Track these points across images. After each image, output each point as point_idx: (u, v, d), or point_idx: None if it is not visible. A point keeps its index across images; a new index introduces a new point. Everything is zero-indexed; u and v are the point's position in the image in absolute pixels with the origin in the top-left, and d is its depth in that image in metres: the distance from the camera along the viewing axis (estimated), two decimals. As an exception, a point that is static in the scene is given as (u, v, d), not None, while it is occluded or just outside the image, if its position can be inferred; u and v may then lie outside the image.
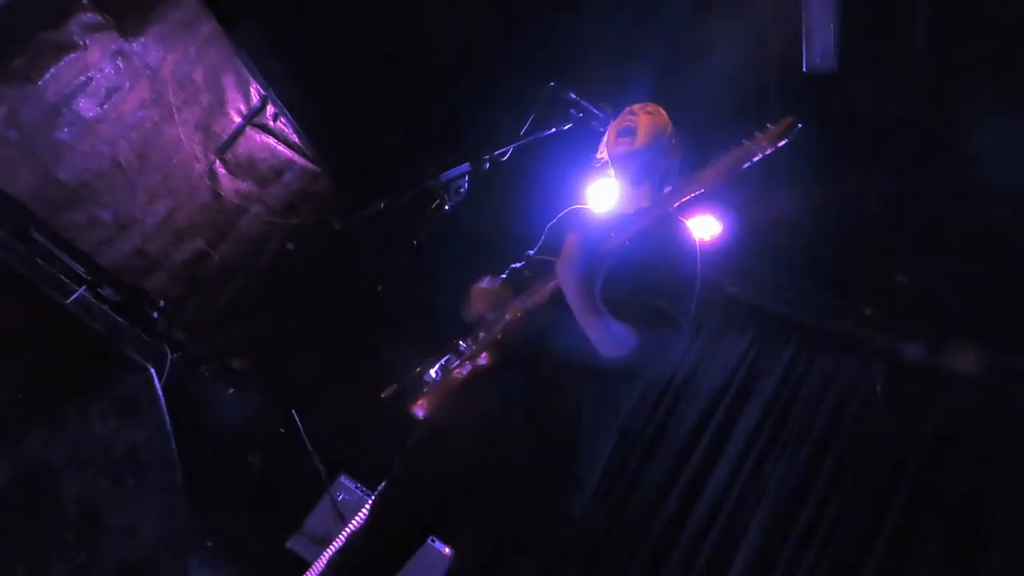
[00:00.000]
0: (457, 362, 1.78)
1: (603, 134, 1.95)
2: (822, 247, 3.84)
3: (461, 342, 1.82)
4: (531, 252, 2.04)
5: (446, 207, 1.77)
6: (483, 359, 1.69)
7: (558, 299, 1.64)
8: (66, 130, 3.33)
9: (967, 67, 2.73)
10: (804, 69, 2.82)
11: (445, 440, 1.72)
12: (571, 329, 1.62)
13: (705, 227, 3.98)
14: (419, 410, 1.80)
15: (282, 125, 4.12)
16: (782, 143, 1.43)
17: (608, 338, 1.56)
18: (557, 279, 1.58)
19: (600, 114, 1.92)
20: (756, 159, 1.45)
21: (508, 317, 1.73)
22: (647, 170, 1.94)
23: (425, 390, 1.80)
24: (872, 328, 3.84)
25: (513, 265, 2.05)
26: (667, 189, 2.01)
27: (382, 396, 1.79)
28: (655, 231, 1.73)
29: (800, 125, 1.43)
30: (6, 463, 1.20)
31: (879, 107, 3.07)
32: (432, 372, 1.83)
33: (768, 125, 1.45)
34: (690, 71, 3.10)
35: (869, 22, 2.76)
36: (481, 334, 1.78)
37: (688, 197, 1.54)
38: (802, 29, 2.75)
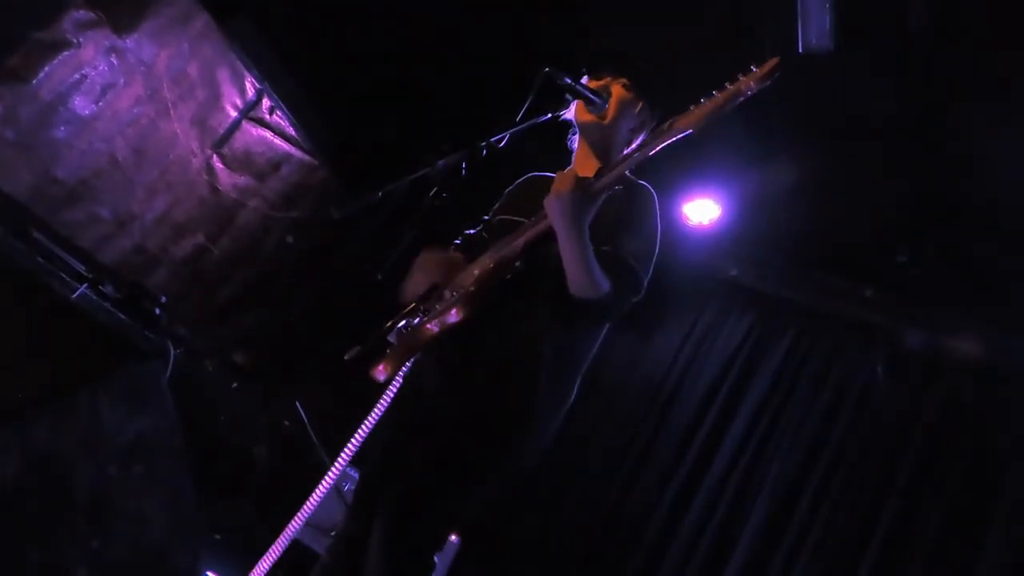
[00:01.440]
0: (423, 319, 1.78)
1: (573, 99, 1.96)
2: (822, 229, 3.84)
3: (424, 305, 1.83)
4: (487, 217, 2.06)
5: (444, 194, 1.77)
6: (453, 315, 1.70)
7: (530, 251, 1.70)
8: (62, 128, 3.33)
9: (967, 46, 2.73)
10: (800, 50, 2.82)
11: (406, 402, 1.78)
12: (541, 279, 1.68)
13: (704, 210, 3.99)
14: (380, 374, 1.80)
15: (278, 118, 4.11)
16: (766, 84, 1.47)
17: (588, 275, 1.62)
18: (548, 215, 1.63)
19: (597, 99, 1.91)
20: (741, 100, 1.49)
21: (479, 271, 1.75)
22: (610, 141, 1.96)
23: (388, 352, 1.80)
24: (873, 310, 3.85)
25: (467, 231, 2.06)
26: (639, 141, 2.01)
27: (345, 359, 1.82)
28: (624, 192, 1.80)
29: (778, 72, 1.47)
30: (18, 452, 1.21)
31: (878, 87, 3.06)
32: (395, 334, 1.82)
33: (752, 67, 1.48)
34: (684, 55, 3.09)
35: (866, 2, 2.75)
36: (448, 292, 1.79)
37: (673, 140, 1.56)
38: (797, 10, 2.75)
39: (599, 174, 1.68)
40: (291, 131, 4.17)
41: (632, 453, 4.01)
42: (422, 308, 1.82)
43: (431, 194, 1.77)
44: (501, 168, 1.97)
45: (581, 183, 1.61)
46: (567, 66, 1.83)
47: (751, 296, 4.21)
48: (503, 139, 1.82)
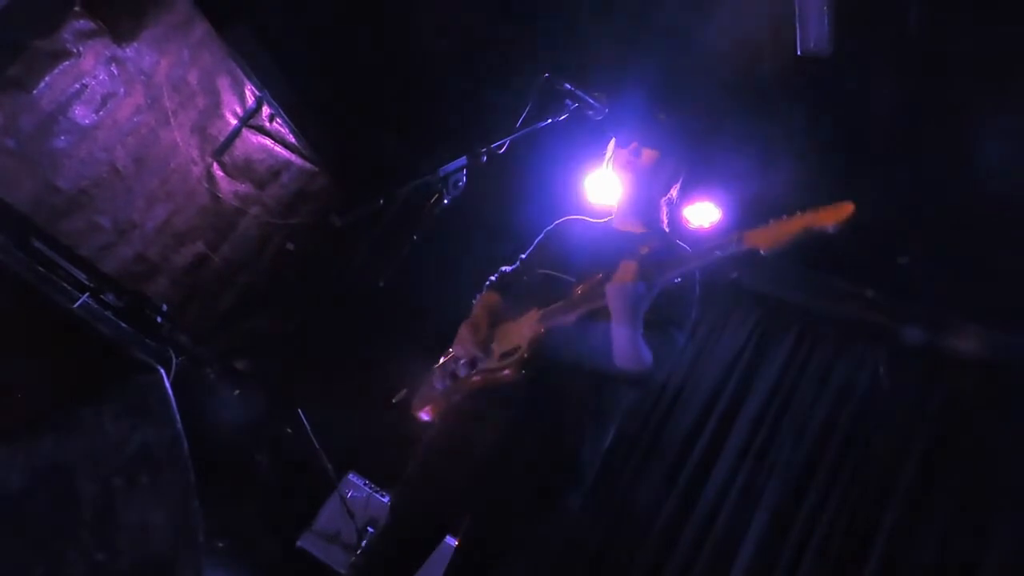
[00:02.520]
0: (472, 372, 1.85)
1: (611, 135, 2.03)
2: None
3: (473, 354, 1.89)
4: (523, 256, 2.09)
5: (445, 201, 1.77)
6: (505, 374, 1.78)
7: (583, 321, 1.77)
8: (63, 138, 3.33)
9: (964, 49, 2.73)
10: (799, 53, 2.82)
11: (451, 443, 1.82)
12: (591, 347, 1.76)
13: (705, 213, 3.99)
14: (425, 415, 1.89)
15: (278, 126, 4.12)
16: (838, 228, 1.49)
17: (635, 352, 1.72)
18: (607, 298, 1.69)
19: (596, 104, 1.92)
20: (811, 236, 1.51)
21: (531, 334, 1.82)
22: (647, 184, 2.02)
23: (434, 394, 1.88)
24: (874, 311, 3.84)
25: (503, 268, 2.08)
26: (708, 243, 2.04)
27: (393, 401, 1.88)
28: (661, 248, 1.87)
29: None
30: (22, 465, 1.22)
31: (876, 90, 3.07)
32: (442, 379, 1.90)
33: (827, 206, 1.50)
34: (685, 60, 3.10)
35: (864, 4, 2.76)
36: (496, 347, 1.86)
37: (738, 253, 1.59)
38: (796, 13, 2.75)
39: (660, 266, 1.70)
40: (291, 138, 4.18)
41: (635, 457, 4.00)
42: (470, 364, 1.89)
43: (432, 201, 1.77)
44: (501, 174, 1.98)
45: (644, 274, 1.66)
46: (566, 72, 1.83)
47: (753, 298, 4.20)
48: (503, 145, 1.82)
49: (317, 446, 3.62)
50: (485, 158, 1.80)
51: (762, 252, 1.55)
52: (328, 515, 3.60)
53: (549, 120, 1.89)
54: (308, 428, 3.62)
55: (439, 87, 3.88)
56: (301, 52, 4.03)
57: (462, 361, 1.89)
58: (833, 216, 1.49)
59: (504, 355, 1.82)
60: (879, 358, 3.73)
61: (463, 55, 3.70)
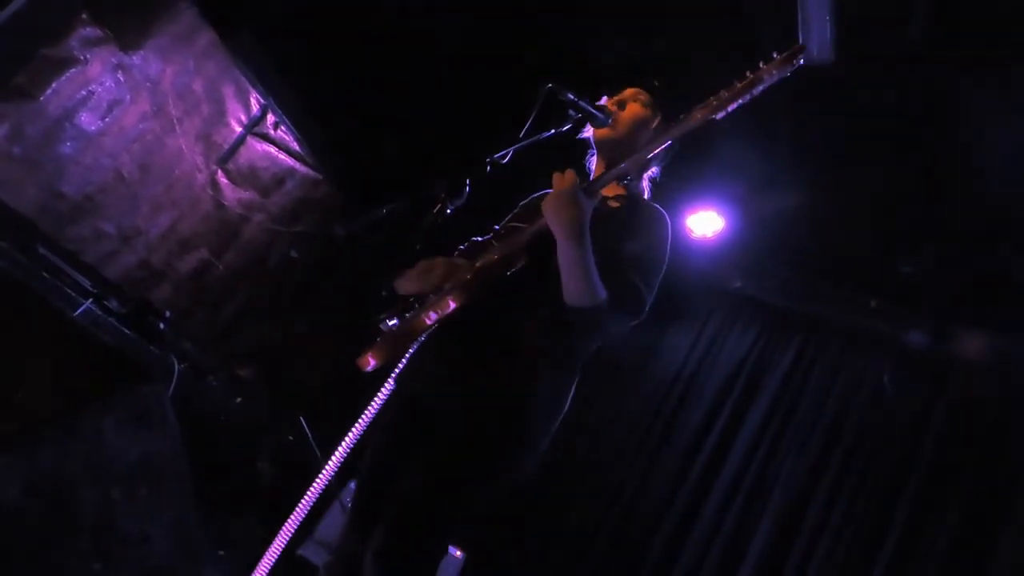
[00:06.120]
0: (419, 310, 1.71)
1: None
2: (825, 239, 3.84)
3: (420, 298, 1.76)
4: (497, 227, 2.03)
5: (447, 211, 1.76)
6: (450, 304, 1.61)
7: (534, 247, 1.64)
8: (69, 144, 3.35)
9: (968, 56, 2.73)
10: (802, 62, 2.82)
11: (403, 393, 1.74)
12: (542, 277, 1.62)
13: (708, 223, 3.99)
14: (368, 365, 1.73)
15: (282, 133, 4.13)
16: (788, 71, 1.46)
17: (584, 280, 1.55)
18: (545, 215, 1.57)
19: (599, 115, 1.91)
20: (762, 88, 1.48)
21: (481, 262, 1.70)
22: (625, 155, 1.91)
23: (378, 340, 1.73)
24: (878, 319, 3.84)
25: (475, 238, 2.03)
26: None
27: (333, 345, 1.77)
28: (637, 212, 1.77)
29: (803, 57, 1.46)
30: (22, 474, 1.21)
31: (879, 97, 3.07)
32: (389, 322, 1.76)
33: (774, 55, 1.48)
34: (685, 67, 3.10)
35: (867, 12, 2.76)
36: (447, 285, 1.73)
37: (692, 128, 1.55)
38: (798, 21, 2.76)
39: (605, 173, 1.65)
40: (295, 146, 4.19)
41: (637, 466, 3.99)
42: (418, 301, 1.77)
43: (435, 210, 1.76)
44: (504, 184, 1.97)
45: (579, 181, 1.57)
46: (570, 82, 1.83)
47: (756, 307, 4.20)
48: (506, 155, 1.81)
49: (319, 454, 3.61)
50: (488, 168, 1.80)
51: (716, 118, 1.51)
52: (329, 524, 3.59)
53: (552, 131, 1.89)
54: (310, 436, 3.62)
55: (443, 97, 3.89)
56: (306, 61, 4.05)
57: (411, 312, 1.73)
58: (779, 64, 1.46)
59: (450, 285, 1.67)
60: (883, 366, 3.72)
61: (467, 65, 3.71)
